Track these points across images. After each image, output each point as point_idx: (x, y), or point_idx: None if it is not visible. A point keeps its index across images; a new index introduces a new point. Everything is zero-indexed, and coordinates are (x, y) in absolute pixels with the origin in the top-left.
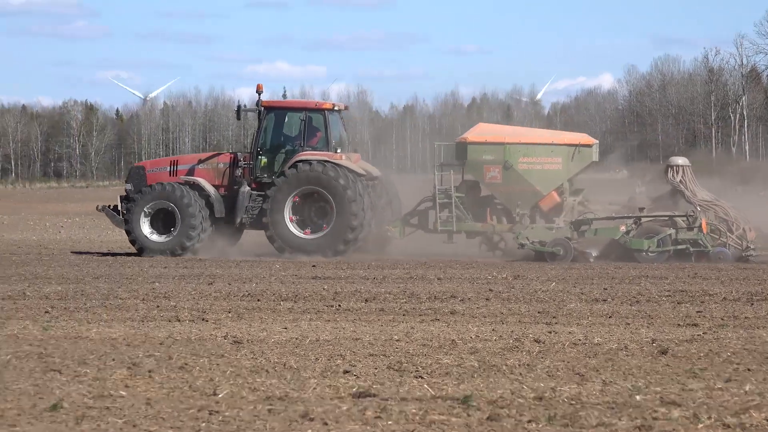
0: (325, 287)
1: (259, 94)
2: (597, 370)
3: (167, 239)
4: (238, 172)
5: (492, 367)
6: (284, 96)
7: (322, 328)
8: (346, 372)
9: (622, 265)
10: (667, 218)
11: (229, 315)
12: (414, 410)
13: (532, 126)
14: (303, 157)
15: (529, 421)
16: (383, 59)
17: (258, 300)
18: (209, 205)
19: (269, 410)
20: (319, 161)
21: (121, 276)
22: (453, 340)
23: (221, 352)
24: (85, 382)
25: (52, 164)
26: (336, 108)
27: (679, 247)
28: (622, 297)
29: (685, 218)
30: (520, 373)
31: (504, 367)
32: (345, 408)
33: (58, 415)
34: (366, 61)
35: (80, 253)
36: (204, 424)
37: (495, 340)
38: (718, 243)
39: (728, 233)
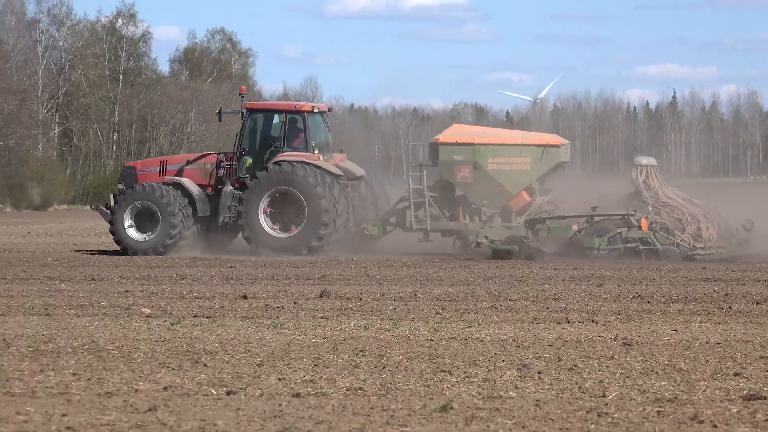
0: (716, 289)
1: (242, 97)
2: None
3: (148, 238)
4: (221, 172)
5: None
6: (674, 98)
7: (712, 330)
8: (736, 374)
9: None
10: (619, 217)
11: (619, 316)
12: None
13: None
14: (281, 158)
15: None
16: None
17: (648, 302)
18: (192, 204)
19: (658, 412)
20: (292, 162)
21: (511, 278)
22: None
23: (611, 354)
24: (475, 383)
25: None
26: (317, 110)
27: (629, 245)
28: None
29: (626, 217)
30: None
31: None
32: (735, 410)
33: (447, 415)
34: (757, 62)
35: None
36: (593, 426)
37: None
38: (667, 241)
39: (678, 232)
